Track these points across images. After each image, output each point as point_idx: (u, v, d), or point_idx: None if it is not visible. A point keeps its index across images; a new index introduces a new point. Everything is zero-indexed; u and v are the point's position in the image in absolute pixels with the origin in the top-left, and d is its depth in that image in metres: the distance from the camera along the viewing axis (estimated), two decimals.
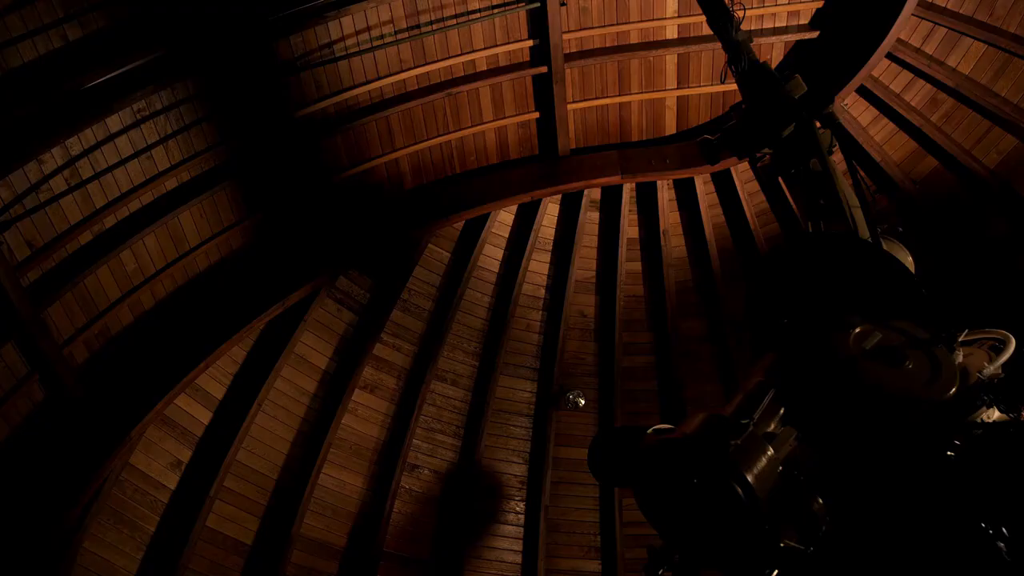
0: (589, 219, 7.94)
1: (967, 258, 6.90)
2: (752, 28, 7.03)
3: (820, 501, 1.73)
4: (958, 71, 6.68)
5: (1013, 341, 2.26)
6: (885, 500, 1.71)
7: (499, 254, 7.91)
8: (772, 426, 1.88)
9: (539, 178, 7.53)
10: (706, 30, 6.92)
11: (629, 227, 7.91)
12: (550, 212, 7.95)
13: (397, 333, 7.57)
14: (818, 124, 3.04)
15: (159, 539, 6.35)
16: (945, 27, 6.59)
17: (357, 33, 6.38)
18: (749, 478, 1.60)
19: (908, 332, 2.02)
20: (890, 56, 6.84)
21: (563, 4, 6.70)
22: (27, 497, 5.64)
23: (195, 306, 6.58)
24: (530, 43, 6.94)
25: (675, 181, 7.74)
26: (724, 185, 7.76)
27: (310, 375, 7.24)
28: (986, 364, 2.19)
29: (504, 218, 7.88)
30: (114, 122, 5.60)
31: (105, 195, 5.78)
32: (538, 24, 6.82)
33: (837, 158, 3.18)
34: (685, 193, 7.81)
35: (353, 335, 7.41)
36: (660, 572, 1.68)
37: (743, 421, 1.77)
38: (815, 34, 7.04)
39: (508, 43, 6.91)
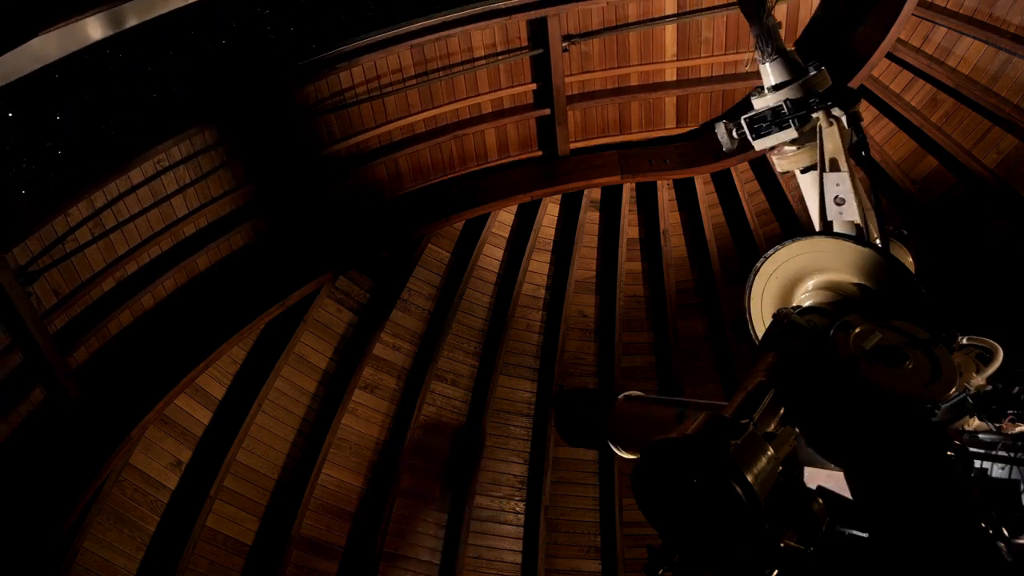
0: (589, 219, 7.95)
1: (967, 258, 6.90)
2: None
3: (820, 501, 1.73)
4: (958, 71, 6.68)
5: (1001, 353, 2.23)
6: (885, 500, 1.71)
7: (499, 254, 7.92)
8: (772, 426, 1.88)
9: (539, 178, 7.54)
10: (703, 72, 7.31)
11: (629, 227, 7.91)
12: (550, 212, 7.95)
13: (397, 333, 7.57)
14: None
15: (159, 539, 6.35)
16: (945, 27, 6.59)
17: (367, 81, 6.65)
18: (749, 478, 1.59)
19: (908, 332, 2.02)
20: (890, 56, 6.84)
21: (566, 50, 6.89)
22: (27, 497, 5.64)
23: (195, 306, 6.58)
24: (533, 86, 7.18)
25: (675, 181, 7.75)
26: (724, 185, 7.76)
27: (310, 375, 7.24)
28: (973, 374, 2.16)
29: (504, 218, 7.89)
30: (136, 174, 5.85)
31: (127, 242, 6.00)
32: (541, 68, 7.06)
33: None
34: (685, 193, 7.81)
35: (353, 335, 7.41)
36: (660, 572, 1.68)
37: (743, 421, 1.77)
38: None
39: (512, 86, 7.15)
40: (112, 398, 6.12)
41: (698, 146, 7.60)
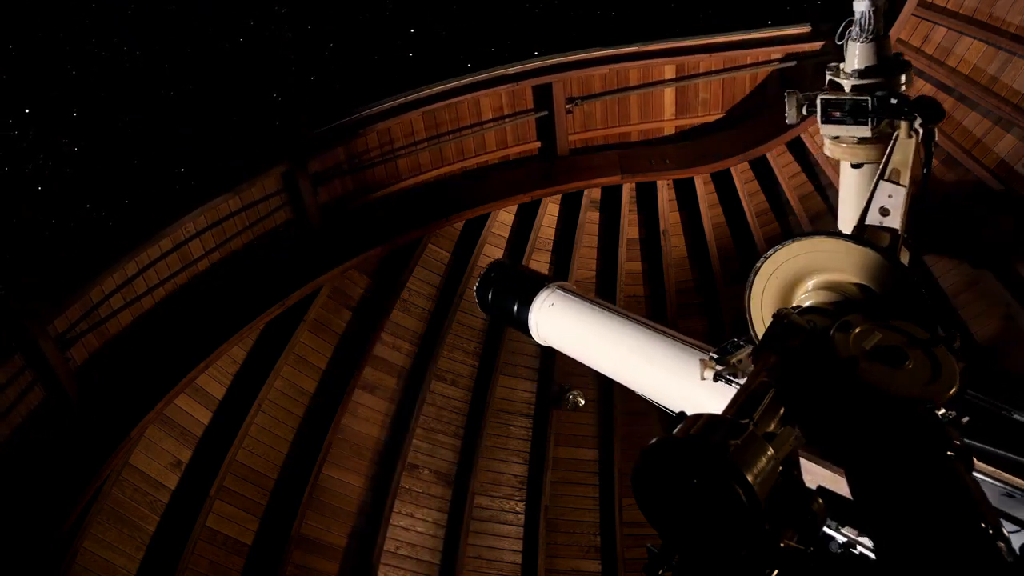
0: (589, 219, 7.94)
1: (967, 259, 6.90)
2: None
3: (820, 501, 1.73)
4: (958, 71, 6.67)
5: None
6: (884, 499, 1.72)
7: (499, 254, 7.92)
8: (772, 426, 1.88)
9: (539, 178, 7.56)
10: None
11: (629, 227, 7.91)
12: (550, 212, 7.95)
13: (397, 333, 7.57)
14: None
15: (159, 539, 6.35)
16: (945, 27, 6.59)
17: (381, 146, 7.05)
18: (749, 478, 1.59)
19: (908, 332, 2.02)
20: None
21: (569, 112, 7.29)
22: (27, 497, 5.64)
23: (195, 306, 6.59)
24: (538, 144, 7.58)
25: (675, 181, 7.75)
26: (724, 185, 7.76)
27: (310, 375, 7.25)
28: None
29: (504, 218, 7.89)
30: (166, 243, 6.27)
31: (154, 299, 6.40)
32: (546, 128, 7.45)
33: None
34: (685, 193, 7.82)
35: (353, 335, 7.41)
36: (660, 572, 1.68)
37: (743, 421, 1.77)
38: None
39: (518, 144, 7.56)
40: (112, 398, 6.13)
41: (698, 146, 7.61)
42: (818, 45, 7.01)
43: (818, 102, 2.76)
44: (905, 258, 2.64)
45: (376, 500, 7.32)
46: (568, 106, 7.27)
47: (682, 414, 1.92)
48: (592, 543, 7.68)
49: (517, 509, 7.70)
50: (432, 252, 7.69)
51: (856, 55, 2.80)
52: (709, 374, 2.42)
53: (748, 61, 7.35)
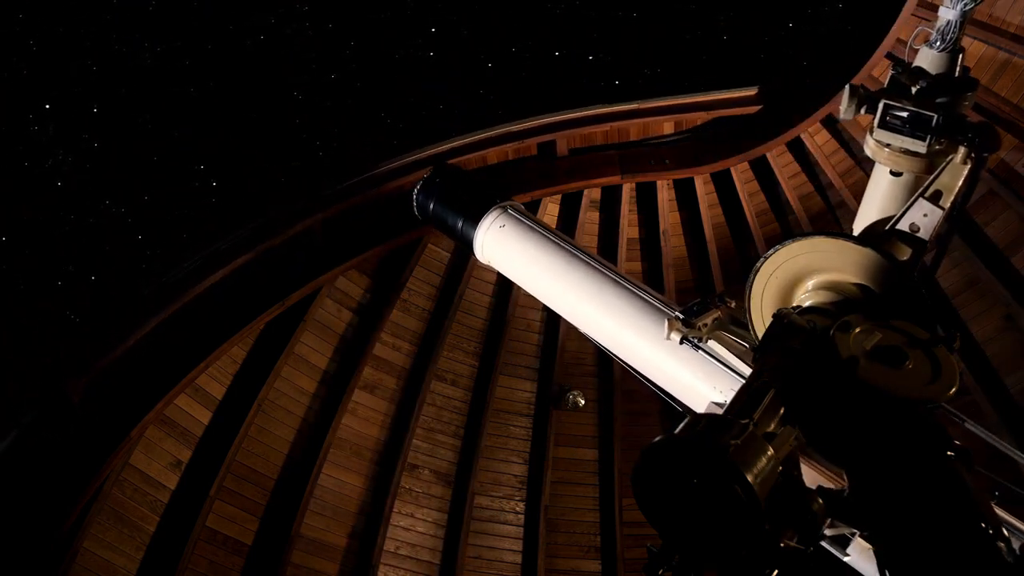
0: (589, 219, 7.94)
1: (967, 259, 6.90)
2: None
3: (820, 501, 1.73)
4: None
5: None
6: (884, 500, 1.72)
7: None
8: (772, 426, 1.88)
9: (539, 178, 7.55)
10: None
11: (629, 227, 7.91)
12: (550, 212, 7.94)
13: (397, 333, 7.57)
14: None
15: (159, 539, 6.35)
16: None
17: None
18: (749, 478, 1.59)
19: (908, 332, 2.02)
20: (890, 56, 6.84)
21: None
22: (27, 497, 5.64)
23: (195, 306, 6.58)
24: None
25: (675, 181, 7.76)
26: (724, 185, 7.76)
27: (310, 375, 7.25)
28: None
29: None
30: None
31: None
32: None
33: None
34: (685, 193, 7.82)
35: (353, 335, 7.41)
36: (660, 573, 1.68)
37: (743, 421, 1.77)
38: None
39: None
40: (112, 398, 6.13)
41: (698, 146, 7.61)
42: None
43: (880, 106, 2.60)
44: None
45: (376, 500, 7.32)
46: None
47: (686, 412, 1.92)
48: (592, 543, 7.68)
49: (517, 509, 7.70)
50: (432, 252, 7.69)
51: (928, 61, 2.68)
52: (676, 336, 2.40)
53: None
